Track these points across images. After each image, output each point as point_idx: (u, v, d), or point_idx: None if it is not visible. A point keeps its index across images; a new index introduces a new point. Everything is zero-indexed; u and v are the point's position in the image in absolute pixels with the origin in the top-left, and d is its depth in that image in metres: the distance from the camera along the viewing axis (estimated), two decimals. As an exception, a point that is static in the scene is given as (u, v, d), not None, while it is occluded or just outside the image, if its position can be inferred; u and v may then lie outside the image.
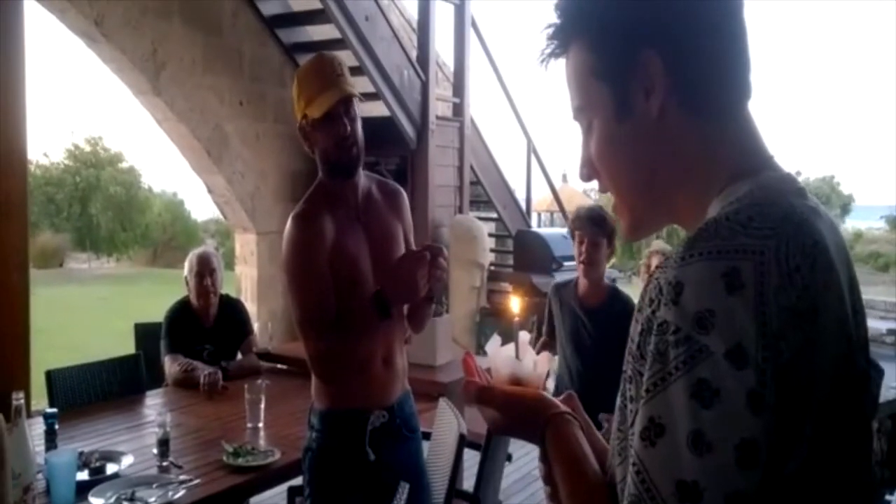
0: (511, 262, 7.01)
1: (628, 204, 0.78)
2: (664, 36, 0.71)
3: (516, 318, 0.90)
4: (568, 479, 0.77)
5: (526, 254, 6.59)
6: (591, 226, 2.76)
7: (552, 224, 13.13)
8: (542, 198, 10.94)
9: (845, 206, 23.66)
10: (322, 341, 1.80)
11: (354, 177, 1.93)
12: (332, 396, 1.91)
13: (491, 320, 6.21)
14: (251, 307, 4.94)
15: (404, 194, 2.08)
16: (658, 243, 3.76)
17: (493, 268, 6.65)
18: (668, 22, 0.71)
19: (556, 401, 0.85)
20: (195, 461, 2.35)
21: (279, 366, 3.65)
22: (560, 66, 0.80)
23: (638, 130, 0.73)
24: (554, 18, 0.78)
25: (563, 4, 0.77)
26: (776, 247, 0.61)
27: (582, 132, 0.80)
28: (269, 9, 5.47)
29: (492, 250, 6.70)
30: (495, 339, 0.89)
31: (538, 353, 0.88)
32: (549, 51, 0.79)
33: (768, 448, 0.58)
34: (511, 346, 0.87)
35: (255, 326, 3.73)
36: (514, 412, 0.85)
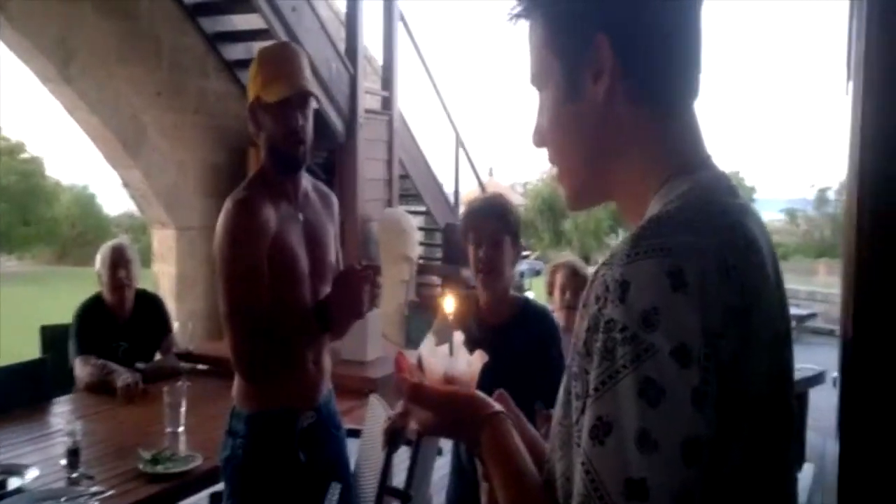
0: (440, 255, 7.01)
1: (570, 175, 0.79)
2: (618, 22, 0.71)
3: (450, 317, 0.87)
4: (507, 483, 0.77)
5: (455, 247, 6.58)
6: (490, 222, 1.99)
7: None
8: (469, 191, 11.01)
9: (748, 200, 24.77)
10: (249, 337, 1.73)
11: (298, 172, 1.88)
12: (260, 397, 1.84)
13: (420, 314, 6.19)
14: (170, 306, 4.76)
15: (336, 199, 2.05)
16: (566, 255, 3.55)
17: (421, 261, 6.63)
18: (625, 9, 0.72)
19: (490, 400, 0.84)
20: (109, 471, 2.23)
21: (200, 366, 3.52)
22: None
23: (583, 112, 0.74)
24: None
25: None
26: (716, 246, 0.62)
27: (539, 98, 0.80)
28: (189, -4, 5.28)
29: (421, 244, 6.68)
30: (429, 339, 0.86)
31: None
32: (516, 11, 0.78)
33: (711, 445, 0.59)
34: (445, 346, 0.85)
35: (175, 326, 3.58)
36: (447, 412, 0.83)
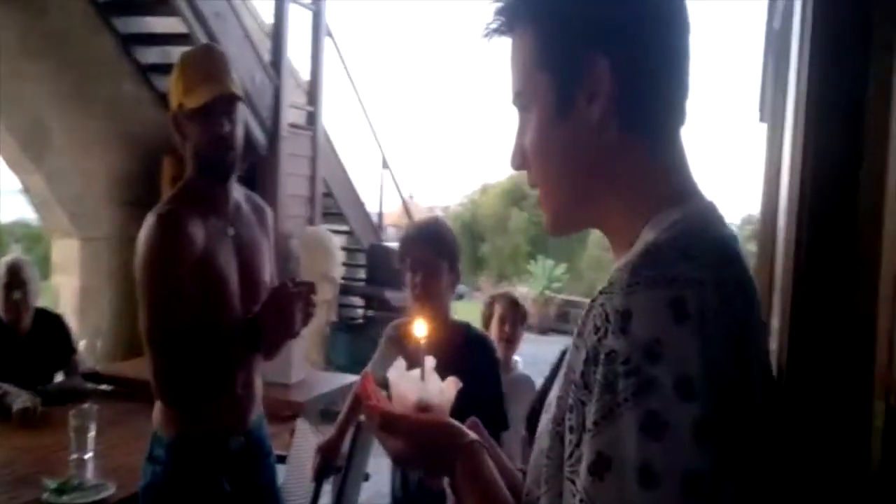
0: (363, 276, 6.92)
1: (553, 199, 0.75)
2: (619, 42, 0.69)
3: (423, 341, 0.83)
4: None
5: (379, 268, 6.53)
6: (426, 248, 1.96)
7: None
8: (391, 212, 10.97)
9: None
10: (172, 360, 1.63)
11: (228, 181, 1.77)
12: (183, 421, 1.73)
13: (341, 335, 6.08)
14: (72, 321, 4.48)
15: (271, 212, 1.96)
16: (503, 288, 3.51)
17: (344, 282, 6.53)
18: (625, 30, 0.69)
19: (465, 428, 0.81)
20: (8, 503, 2.04)
21: (104, 387, 3.31)
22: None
23: (575, 132, 0.71)
24: None
25: None
26: (713, 277, 0.61)
27: (519, 117, 0.76)
28: (103, -6, 5.03)
29: (343, 264, 6.57)
30: (399, 363, 0.82)
31: None
32: (494, 26, 0.74)
33: (711, 480, 0.57)
34: (416, 371, 0.81)
35: (81, 344, 3.36)
36: (421, 443, 0.79)
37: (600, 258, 14.64)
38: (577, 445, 0.61)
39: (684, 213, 0.69)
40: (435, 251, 1.97)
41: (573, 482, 0.61)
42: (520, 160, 0.76)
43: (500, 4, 0.74)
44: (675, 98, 0.72)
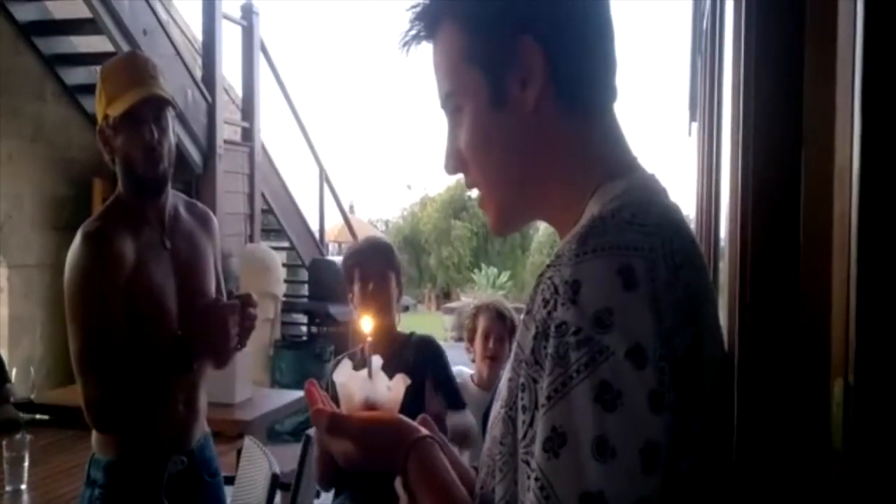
0: (305, 292, 6.81)
1: (497, 197, 0.74)
2: (547, 24, 0.68)
3: (369, 339, 0.81)
4: None
5: (321, 283, 6.44)
6: (376, 258, 2.07)
7: (340, 254, 13.12)
8: (332, 226, 10.88)
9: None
10: (103, 384, 1.55)
11: (161, 196, 1.69)
12: (121, 442, 1.65)
13: (286, 353, 5.96)
14: (2, 351, 4.26)
15: (215, 219, 1.88)
16: (488, 295, 3.31)
17: (286, 298, 6.41)
18: (552, 11, 0.69)
19: (416, 424, 0.79)
20: (-67, 542, 1.92)
21: (39, 416, 3.16)
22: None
23: (511, 121, 0.70)
24: None
25: None
26: (661, 243, 0.61)
27: (449, 121, 0.75)
28: (24, 14, 4.85)
29: (285, 281, 6.46)
30: (346, 364, 0.80)
31: None
32: (413, 33, 0.73)
33: (667, 448, 0.57)
34: (363, 371, 0.78)
35: (12, 374, 3.20)
36: (371, 441, 0.77)
37: (543, 263, 14.84)
38: (531, 425, 0.60)
39: (627, 184, 0.69)
40: (385, 261, 2.08)
41: (528, 463, 0.60)
42: (455, 163, 0.75)
43: (418, 9, 0.73)
44: (606, 74, 0.72)
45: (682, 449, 0.58)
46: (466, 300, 10.73)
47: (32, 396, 3.17)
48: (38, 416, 3.15)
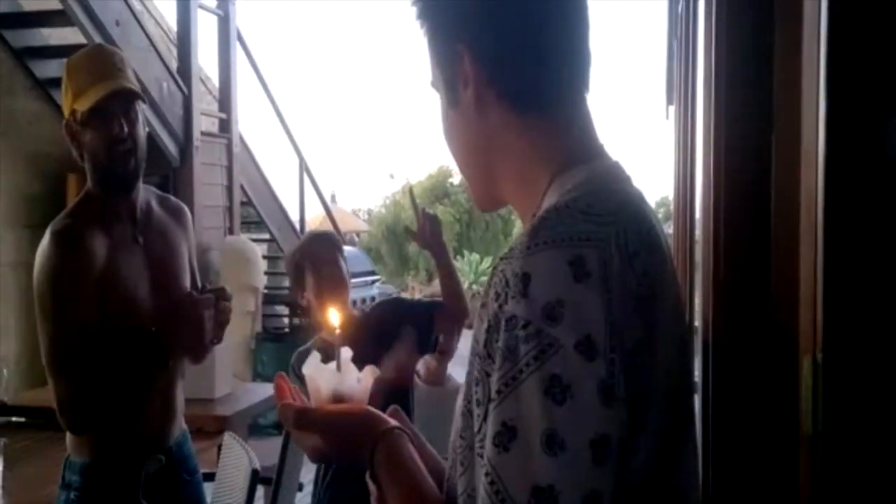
0: (286, 284, 6.77)
1: (469, 180, 0.79)
2: (475, 33, 0.72)
3: (337, 332, 0.80)
4: (405, 502, 0.72)
5: (303, 275, 6.40)
6: (325, 244, 2.13)
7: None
8: (313, 217, 10.84)
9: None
10: (75, 385, 1.53)
11: (133, 191, 1.66)
12: (96, 443, 1.62)
13: (268, 345, 5.94)
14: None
15: (189, 212, 1.85)
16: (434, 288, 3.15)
17: (267, 291, 6.38)
18: (482, 19, 0.72)
19: (384, 415, 0.78)
20: None
21: (16, 419, 3.13)
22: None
23: (462, 118, 0.75)
24: None
25: None
26: (616, 233, 0.61)
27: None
28: (-7, 7, 4.76)
29: (266, 273, 6.42)
30: (314, 357, 0.79)
31: None
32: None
33: (619, 442, 0.57)
34: (331, 364, 0.78)
35: (-14, 374, 3.15)
36: (338, 433, 0.76)
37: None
38: (485, 419, 0.60)
39: (588, 173, 0.69)
40: (334, 246, 2.14)
41: (482, 457, 0.59)
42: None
43: None
44: (563, 70, 0.73)
45: (636, 441, 0.58)
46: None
47: (6, 399, 3.13)
48: (13, 419, 3.12)
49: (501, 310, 0.59)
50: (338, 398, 0.77)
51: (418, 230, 2.14)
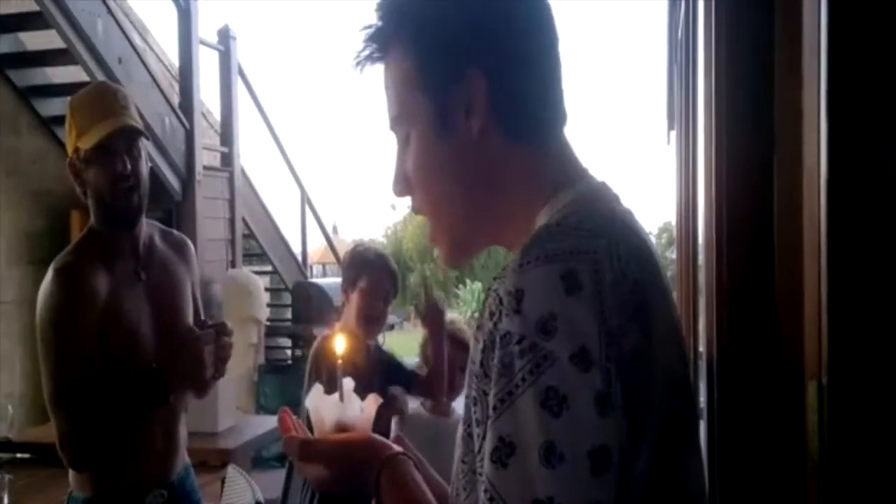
0: (289, 316, 6.77)
1: (446, 226, 0.75)
2: (491, 54, 0.69)
3: (339, 362, 0.80)
4: None
5: (305, 306, 6.40)
6: (390, 278, 2.12)
7: (325, 275, 13.08)
8: (315, 248, 10.85)
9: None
10: (76, 423, 1.53)
11: (135, 228, 1.66)
12: (98, 478, 1.62)
13: (270, 377, 5.90)
14: (-19, 389, 4.19)
15: (192, 246, 1.86)
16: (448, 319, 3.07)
17: (269, 323, 6.36)
18: (496, 40, 0.69)
19: (388, 441, 0.79)
20: None
21: (21, 455, 3.10)
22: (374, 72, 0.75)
23: (456, 150, 0.71)
24: (374, 19, 0.72)
25: (387, 6, 0.72)
26: (607, 245, 0.61)
27: (398, 143, 0.75)
28: (-4, 47, 4.82)
29: (268, 305, 6.41)
30: (317, 389, 0.79)
31: None
32: (366, 53, 0.73)
33: (619, 451, 0.57)
34: (334, 395, 0.78)
35: (-10, 411, 3.14)
36: (343, 461, 0.76)
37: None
38: (484, 437, 0.59)
39: (575, 194, 0.69)
40: (394, 283, 2.18)
41: (481, 475, 0.59)
42: (402, 187, 0.76)
43: (371, 31, 0.73)
44: (552, 100, 0.73)
45: (637, 449, 0.58)
46: (452, 316, 10.76)
47: (11, 435, 3.12)
48: (18, 455, 3.09)
49: (496, 328, 0.60)
50: (341, 427, 0.77)
51: (425, 314, 2.22)
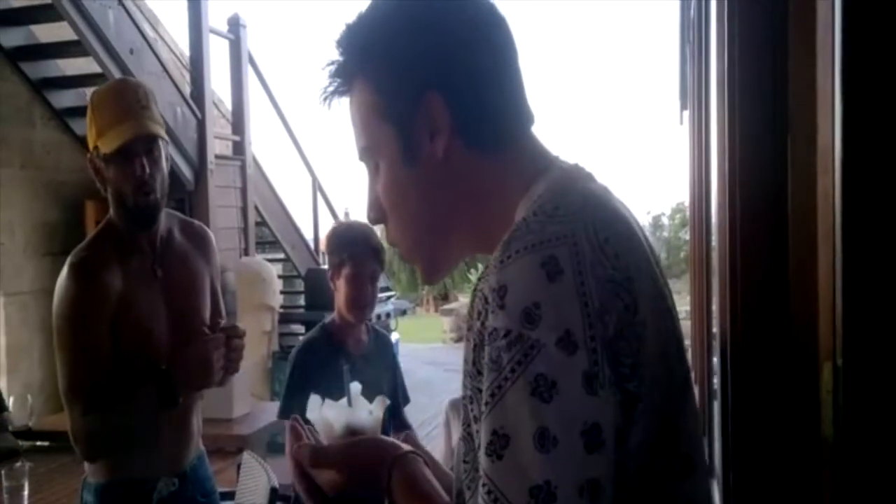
0: (302, 302, 6.80)
1: (423, 248, 0.76)
2: (447, 77, 0.70)
3: (345, 367, 0.81)
4: None
5: (318, 293, 6.41)
6: (373, 254, 2.04)
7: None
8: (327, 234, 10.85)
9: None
10: (89, 415, 1.54)
11: (154, 225, 1.66)
12: (112, 465, 1.64)
13: (284, 364, 5.93)
14: None
15: (212, 236, 1.84)
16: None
17: (282, 310, 6.39)
18: (451, 63, 0.71)
19: (397, 441, 0.80)
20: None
21: (40, 443, 3.15)
22: (344, 102, 0.77)
23: (425, 173, 0.72)
24: (336, 55, 0.74)
25: (346, 41, 0.74)
26: (584, 226, 0.62)
27: (369, 173, 0.77)
28: (9, 39, 4.84)
29: (281, 292, 6.44)
30: (314, 400, 0.80)
31: None
32: (331, 89, 0.75)
33: (613, 427, 0.57)
34: (342, 400, 0.79)
35: (10, 402, 3.18)
36: (353, 465, 0.77)
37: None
38: (480, 433, 0.60)
39: (547, 182, 0.70)
40: (378, 262, 2.06)
41: (478, 470, 0.60)
42: (377, 214, 0.77)
43: (334, 67, 0.74)
44: (515, 106, 0.74)
45: (633, 418, 0.59)
46: (465, 300, 10.76)
47: (31, 423, 3.15)
48: (38, 443, 3.14)
49: (484, 326, 0.61)
50: (351, 432, 0.78)
51: None
